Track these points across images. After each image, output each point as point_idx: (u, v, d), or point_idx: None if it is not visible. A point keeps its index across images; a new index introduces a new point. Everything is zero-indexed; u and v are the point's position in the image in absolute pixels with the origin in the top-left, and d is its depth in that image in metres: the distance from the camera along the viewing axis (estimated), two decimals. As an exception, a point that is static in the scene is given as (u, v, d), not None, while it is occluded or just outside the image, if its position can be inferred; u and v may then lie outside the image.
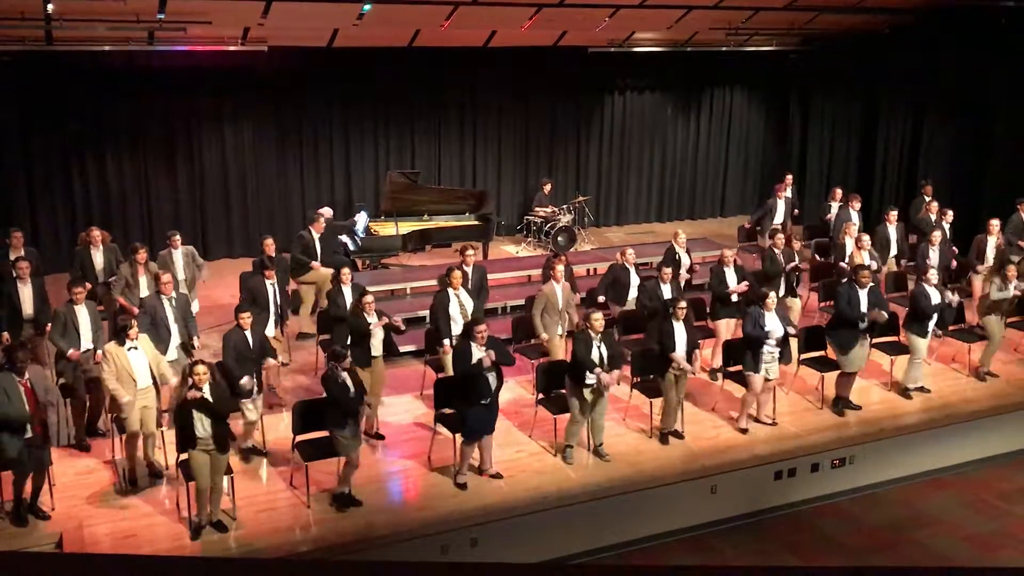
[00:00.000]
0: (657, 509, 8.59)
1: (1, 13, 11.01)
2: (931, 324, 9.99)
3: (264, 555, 7.32)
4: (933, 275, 10.02)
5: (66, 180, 14.43)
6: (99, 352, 8.62)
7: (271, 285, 9.82)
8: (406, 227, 14.16)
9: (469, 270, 10.19)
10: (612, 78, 17.66)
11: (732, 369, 9.64)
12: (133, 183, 14.81)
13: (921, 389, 10.24)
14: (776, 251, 11.04)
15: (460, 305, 9.52)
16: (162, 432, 8.47)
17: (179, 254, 10.95)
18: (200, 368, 7.41)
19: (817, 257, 13.49)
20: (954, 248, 12.36)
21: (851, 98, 17.18)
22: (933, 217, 12.88)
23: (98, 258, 10.73)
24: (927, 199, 13.72)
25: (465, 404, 8.16)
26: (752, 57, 17.59)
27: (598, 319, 8.60)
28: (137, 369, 8.07)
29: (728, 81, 18.79)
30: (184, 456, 7.56)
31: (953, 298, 10.12)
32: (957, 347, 10.95)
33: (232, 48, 13.25)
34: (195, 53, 13.56)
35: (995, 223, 12.07)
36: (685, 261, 11.42)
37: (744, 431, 9.31)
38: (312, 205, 15.14)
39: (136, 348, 8.11)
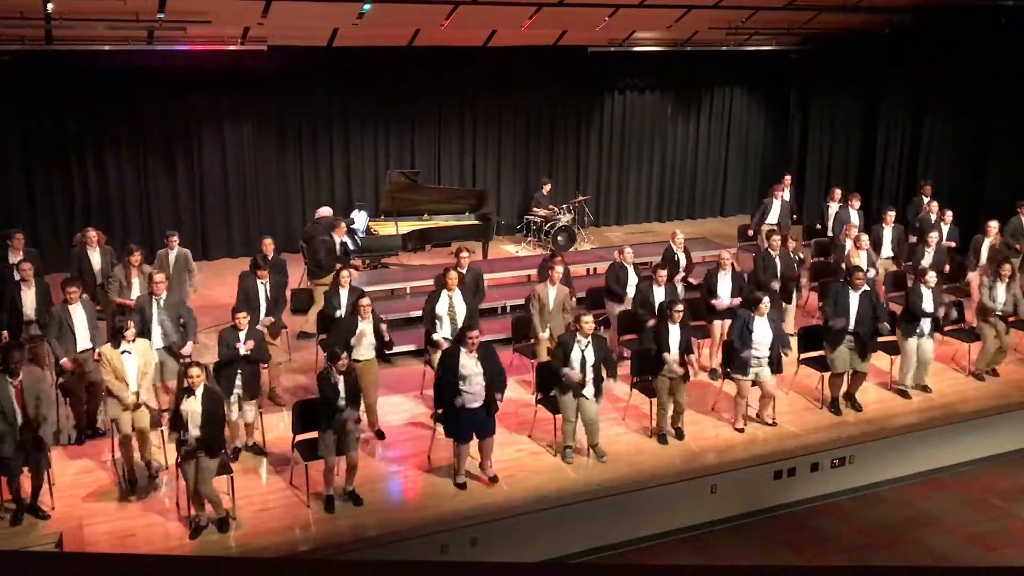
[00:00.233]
0: (657, 509, 8.59)
1: (1, 12, 11.01)
2: (925, 326, 9.94)
3: (264, 555, 7.31)
4: (932, 277, 9.98)
5: (66, 179, 14.43)
6: (97, 352, 8.63)
7: (262, 285, 9.75)
8: (406, 227, 14.16)
9: (463, 271, 10.15)
10: (612, 78, 17.66)
11: (729, 370, 9.63)
12: (133, 183, 14.82)
13: (924, 388, 10.17)
14: (772, 253, 11.01)
15: (451, 306, 9.39)
16: (162, 432, 8.47)
17: (174, 255, 10.92)
18: (194, 370, 7.40)
19: (822, 258, 13.45)
20: (951, 243, 12.34)
21: (851, 98, 17.19)
22: (933, 217, 12.86)
23: (95, 258, 10.70)
24: (926, 199, 13.71)
25: (447, 406, 8.10)
26: (752, 57, 17.60)
27: (588, 321, 8.49)
28: (129, 372, 8.03)
29: (728, 81, 18.79)
30: (179, 458, 7.56)
31: (944, 312, 10.04)
32: (957, 347, 10.95)
33: (232, 48, 13.24)
34: (195, 53, 13.55)
35: (993, 224, 12.06)
36: (683, 262, 11.39)
37: (740, 431, 9.30)
38: (312, 204, 15.16)
39: (130, 352, 8.04)
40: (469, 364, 8.01)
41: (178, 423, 7.37)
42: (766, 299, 9.16)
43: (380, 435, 9.13)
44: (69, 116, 14.14)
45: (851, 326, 9.50)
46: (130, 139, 14.68)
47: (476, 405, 8.07)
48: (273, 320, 9.63)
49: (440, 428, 8.68)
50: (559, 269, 10.05)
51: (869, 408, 9.87)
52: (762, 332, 8.99)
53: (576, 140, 17.78)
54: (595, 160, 18.04)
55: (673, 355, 8.86)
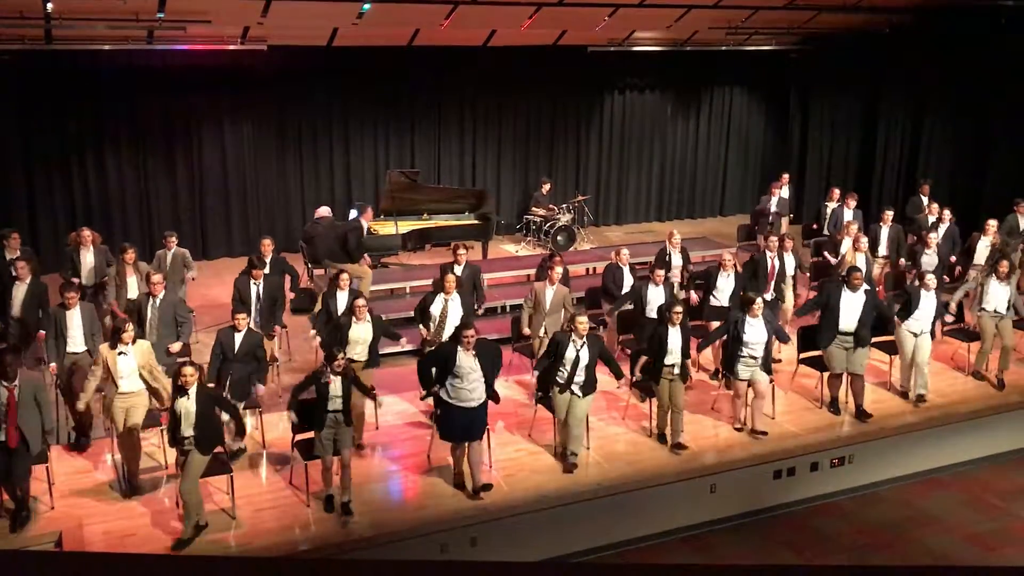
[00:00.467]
0: (656, 508, 8.59)
1: (0, 12, 11.01)
2: (925, 327, 9.92)
3: (263, 554, 7.31)
4: (932, 280, 9.96)
5: (65, 179, 14.43)
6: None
7: (255, 285, 9.71)
8: (406, 226, 14.16)
9: (460, 269, 10.12)
10: (612, 77, 17.67)
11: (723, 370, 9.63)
12: (132, 182, 14.82)
13: (920, 397, 9.97)
14: (769, 253, 10.99)
15: (444, 310, 9.27)
16: (161, 431, 8.47)
17: (171, 255, 10.90)
18: (188, 370, 7.37)
19: (824, 256, 13.44)
20: (955, 241, 12.33)
21: (851, 98, 17.20)
22: (933, 218, 12.85)
23: (88, 259, 10.62)
24: (925, 199, 13.71)
25: (444, 405, 8.03)
26: (752, 56, 17.61)
27: (583, 322, 8.41)
28: (122, 372, 7.96)
29: (728, 80, 18.80)
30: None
31: (949, 317, 10.05)
32: (957, 347, 10.95)
33: (232, 47, 13.25)
34: (194, 52, 13.56)
35: (992, 223, 12.06)
36: (677, 262, 11.34)
37: (740, 429, 9.28)
38: (312, 204, 15.16)
39: (126, 354, 7.99)
40: (467, 362, 7.93)
41: (174, 422, 7.37)
42: (759, 300, 9.09)
43: (359, 447, 8.76)
44: (69, 116, 14.14)
45: (849, 327, 9.48)
46: (130, 139, 14.68)
47: (472, 405, 7.97)
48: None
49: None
50: (558, 270, 10.02)
51: (869, 408, 9.86)
52: (756, 333, 8.94)
53: (576, 140, 17.78)
54: (595, 160, 18.05)
55: (673, 359, 8.84)
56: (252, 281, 9.73)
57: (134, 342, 8.06)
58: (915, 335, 9.91)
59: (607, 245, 15.62)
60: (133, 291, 9.98)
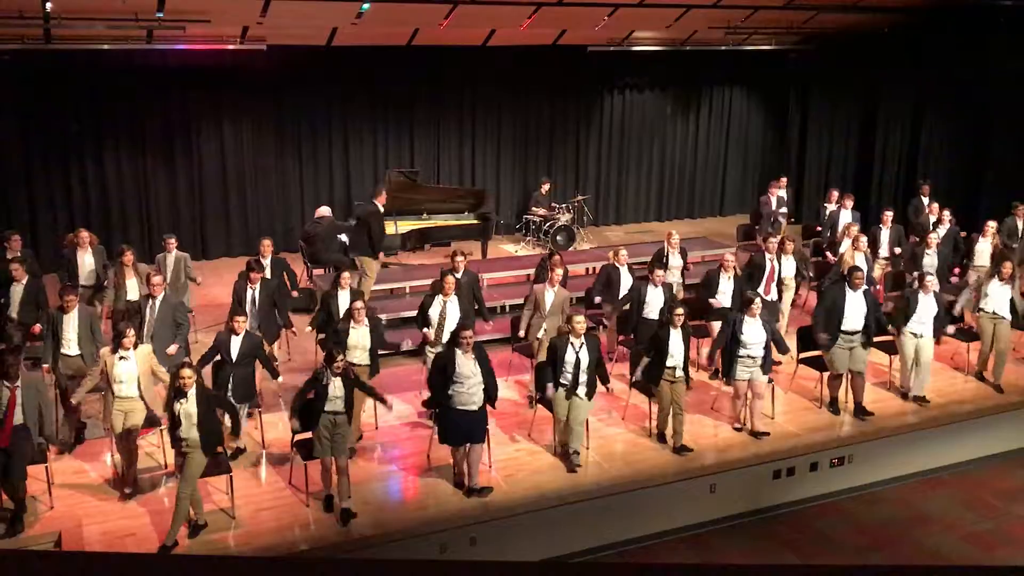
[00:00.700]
0: (656, 508, 8.60)
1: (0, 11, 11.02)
2: (927, 329, 9.93)
3: (263, 554, 7.31)
4: (932, 282, 9.95)
5: (65, 179, 14.43)
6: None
7: (251, 290, 9.58)
8: (405, 226, 14.16)
9: (460, 276, 10.09)
10: (611, 77, 17.67)
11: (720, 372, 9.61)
12: (132, 182, 14.82)
13: (921, 399, 10.00)
14: (768, 255, 10.98)
15: (442, 312, 9.23)
16: (161, 431, 8.46)
17: (172, 259, 10.88)
18: (186, 371, 7.36)
19: (824, 257, 13.44)
20: (955, 242, 12.34)
21: (850, 97, 17.21)
22: (933, 218, 12.86)
23: (86, 260, 10.59)
24: (925, 200, 13.71)
25: (444, 412, 8.06)
26: (751, 56, 17.61)
27: (580, 322, 8.41)
28: (121, 377, 7.93)
29: (727, 80, 18.80)
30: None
31: (960, 302, 10.09)
32: (956, 347, 10.96)
33: (231, 47, 13.25)
34: (194, 52, 13.55)
35: (991, 225, 12.06)
36: (675, 262, 11.32)
37: (739, 429, 9.29)
38: (312, 204, 15.17)
39: (126, 358, 7.95)
40: (467, 365, 7.93)
41: (174, 423, 7.37)
42: (758, 300, 9.10)
43: (351, 452, 8.64)
44: (68, 116, 14.14)
45: (852, 326, 9.49)
46: (129, 139, 14.68)
47: (472, 408, 7.97)
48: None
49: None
50: (559, 271, 9.97)
51: (869, 408, 9.86)
52: (754, 333, 8.94)
53: (575, 139, 17.79)
54: (594, 159, 18.05)
55: (675, 361, 8.83)
56: (248, 285, 9.64)
57: (135, 347, 8.03)
58: (916, 336, 9.91)
59: (606, 245, 15.61)
60: (133, 293, 9.94)
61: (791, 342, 9.97)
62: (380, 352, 9.06)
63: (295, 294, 11.01)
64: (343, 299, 9.45)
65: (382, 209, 11.89)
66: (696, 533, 8.75)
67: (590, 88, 17.62)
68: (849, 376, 9.66)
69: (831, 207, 13.77)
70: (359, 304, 8.80)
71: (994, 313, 10.26)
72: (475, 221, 14.85)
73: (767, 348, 9.02)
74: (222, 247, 15.48)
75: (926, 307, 9.83)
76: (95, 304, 10.29)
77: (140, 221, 14.90)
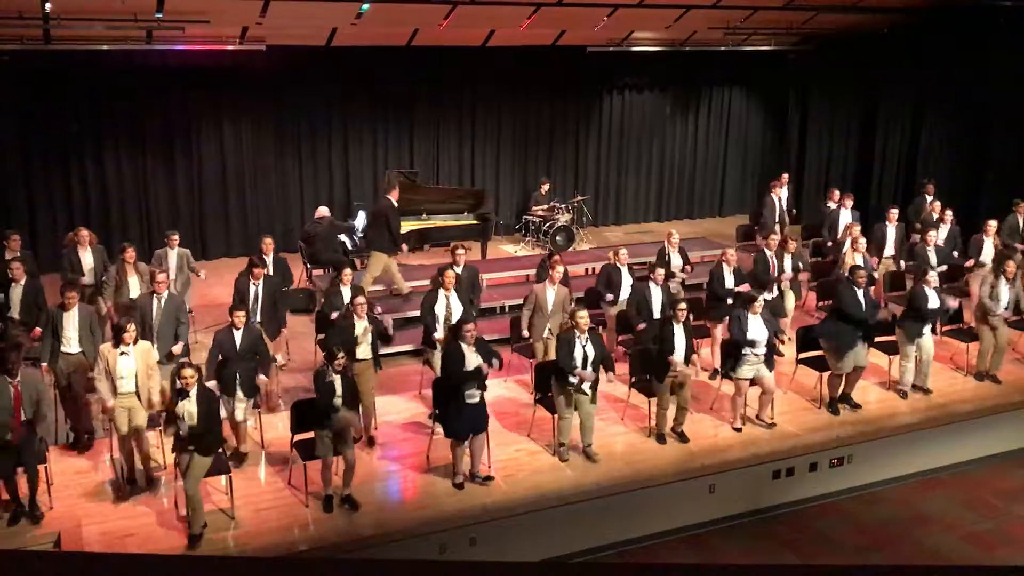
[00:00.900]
0: (656, 508, 8.60)
1: (-1, 12, 11.03)
2: (926, 327, 9.96)
3: (262, 554, 7.31)
4: (933, 277, 9.99)
5: (64, 179, 14.43)
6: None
7: (254, 286, 9.64)
8: (404, 226, 14.09)
9: (460, 270, 10.14)
10: (611, 77, 17.67)
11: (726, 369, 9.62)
12: (132, 182, 14.82)
13: (925, 390, 10.11)
14: (768, 252, 11.00)
15: (447, 307, 9.39)
16: (160, 432, 8.46)
17: (174, 255, 10.92)
18: (187, 371, 7.37)
19: (825, 257, 13.46)
20: (956, 242, 12.36)
21: (850, 98, 17.20)
22: (935, 217, 12.88)
23: (87, 258, 10.61)
24: (929, 199, 13.72)
25: (451, 405, 8.13)
26: (751, 56, 17.61)
27: (583, 318, 8.51)
28: (121, 372, 7.96)
29: (727, 80, 18.80)
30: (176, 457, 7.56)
31: (952, 304, 10.12)
32: (956, 347, 10.96)
33: (230, 47, 13.25)
34: (193, 52, 13.55)
35: (993, 224, 12.07)
36: (676, 262, 11.36)
37: (739, 430, 9.30)
38: (311, 204, 15.17)
39: (127, 354, 7.98)
40: (471, 358, 8.08)
41: (174, 422, 7.37)
42: (760, 298, 9.17)
43: (371, 442, 8.96)
44: (67, 115, 14.13)
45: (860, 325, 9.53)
46: (129, 139, 14.68)
47: (476, 399, 8.14)
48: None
49: (439, 428, 8.68)
50: (559, 269, 10.03)
51: (868, 408, 9.88)
52: (757, 330, 9.00)
53: (575, 140, 17.78)
54: (593, 160, 18.05)
55: (679, 355, 8.86)
56: (252, 281, 9.69)
57: (135, 343, 8.05)
58: (920, 334, 9.95)
59: (606, 245, 15.62)
60: (134, 291, 9.96)
61: (790, 343, 9.98)
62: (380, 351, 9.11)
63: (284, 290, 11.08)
64: (346, 296, 9.53)
65: (396, 204, 11.89)
66: (696, 533, 8.75)
67: (589, 88, 17.62)
68: (828, 374, 9.73)
69: (832, 207, 13.77)
70: (360, 299, 8.87)
71: (998, 312, 10.28)
72: (474, 222, 14.85)
73: (770, 345, 9.09)
74: (222, 247, 15.48)
75: (934, 303, 9.91)
76: (96, 302, 10.30)
77: (140, 221, 14.89)
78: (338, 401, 7.77)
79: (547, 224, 15.80)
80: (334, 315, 9.59)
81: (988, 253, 11.88)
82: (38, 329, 9.12)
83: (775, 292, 10.83)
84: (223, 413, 8.33)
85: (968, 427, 9.98)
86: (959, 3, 14.09)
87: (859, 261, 11.10)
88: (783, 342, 9.55)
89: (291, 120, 15.62)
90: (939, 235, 12.07)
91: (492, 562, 6.56)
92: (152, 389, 8.10)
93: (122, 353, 7.96)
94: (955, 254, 12.21)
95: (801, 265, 11.34)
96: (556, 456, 8.74)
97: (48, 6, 10.71)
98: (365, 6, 11.86)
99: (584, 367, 8.42)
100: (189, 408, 7.36)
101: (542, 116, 17.40)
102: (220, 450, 7.78)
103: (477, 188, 16.18)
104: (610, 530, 8.45)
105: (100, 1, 10.92)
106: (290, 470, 8.38)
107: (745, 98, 19.18)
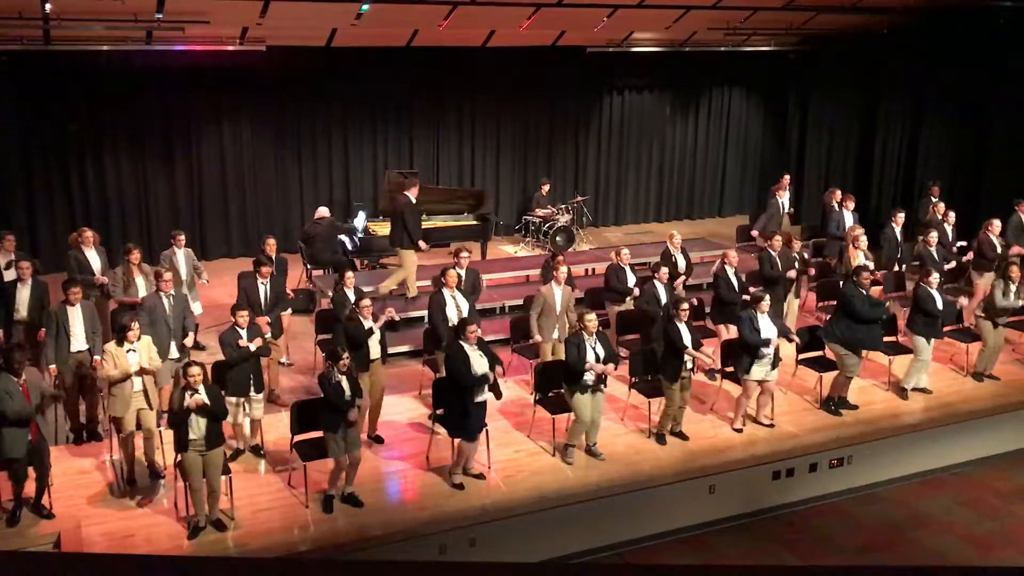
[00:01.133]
0: (655, 509, 8.59)
1: (-1, 12, 11.03)
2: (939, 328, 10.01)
3: (262, 555, 7.31)
4: (935, 278, 10.01)
5: (64, 180, 14.43)
6: (96, 357, 8.65)
7: (262, 285, 9.73)
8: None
9: (463, 272, 10.15)
10: (610, 78, 17.67)
11: (728, 370, 9.63)
12: (131, 183, 14.82)
13: (923, 390, 10.18)
14: (772, 253, 11.01)
15: (457, 307, 9.48)
16: (160, 432, 8.46)
17: (183, 253, 11.03)
18: (194, 369, 7.42)
19: (826, 257, 13.46)
20: (955, 248, 12.37)
21: (849, 98, 17.19)
22: (939, 218, 12.90)
23: (93, 258, 10.66)
24: (934, 200, 13.73)
25: (459, 406, 8.15)
26: (750, 57, 17.61)
27: (591, 320, 8.57)
28: (133, 369, 8.04)
29: (726, 81, 18.80)
30: (180, 457, 7.56)
31: (963, 301, 10.14)
32: (956, 347, 10.96)
33: (230, 48, 13.26)
34: (193, 53, 13.55)
35: (996, 224, 12.08)
36: (681, 263, 11.40)
37: (739, 431, 9.30)
38: (311, 204, 15.17)
39: (135, 351, 8.08)
40: (474, 359, 8.13)
41: (179, 422, 7.38)
42: (767, 297, 9.19)
43: (378, 440, 9.06)
44: (67, 116, 14.13)
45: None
46: (129, 139, 14.68)
47: (483, 399, 8.22)
48: (269, 320, 9.56)
49: (439, 428, 8.68)
50: (563, 269, 10.07)
51: (868, 408, 9.87)
52: (767, 330, 9.04)
53: (575, 140, 17.78)
54: (594, 160, 18.05)
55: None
56: (260, 280, 9.74)
57: (138, 339, 8.13)
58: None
59: (606, 246, 15.62)
60: (142, 291, 10.01)
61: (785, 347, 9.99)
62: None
63: (290, 294, 11.10)
64: (351, 298, 9.58)
65: (414, 200, 11.90)
66: (696, 534, 8.75)
67: (589, 89, 17.62)
68: (836, 373, 9.74)
69: (834, 207, 13.77)
70: (366, 302, 8.94)
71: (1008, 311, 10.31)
72: (474, 222, 14.85)
73: (776, 346, 9.13)
74: (222, 248, 15.49)
75: (940, 304, 9.95)
76: (106, 302, 10.37)
77: (140, 222, 14.89)
78: (348, 402, 7.80)
79: (547, 225, 15.80)
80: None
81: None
82: (43, 331, 9.14)
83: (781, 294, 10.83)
84: (239, 417, 8.45)
85: (968, 427, 9.98)
86: (958, 4, 14.09)
87: (861, 260, 11.11)
88: (792, 341, 9.55)
89: (291, 120, 15.62)
90: (939, 235, 12.07)
91: (492, 563, 6.56)
92: (159, 385, 8.24)
93: (129, 351, 8.01)
94: (962, 258, 12.24)
95: (800, 262, 11.35)
96: (560, 458, 8.71)
97: (48, 7, 10.71)
98: (365, 7, 11.86)
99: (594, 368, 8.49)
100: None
101: (542, 117, 17.40)
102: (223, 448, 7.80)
103: (477, 188, 16.19)
104: (610, 531, 8.44)
105: (100, 2, 10.91)
106: (290, 471, 8.38)
107: (745, 99, 19.18)
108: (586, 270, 13.55)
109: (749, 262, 13.04)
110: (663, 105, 18.44)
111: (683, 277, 11.26)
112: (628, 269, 10.79)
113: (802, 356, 10.09)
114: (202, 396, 7.38)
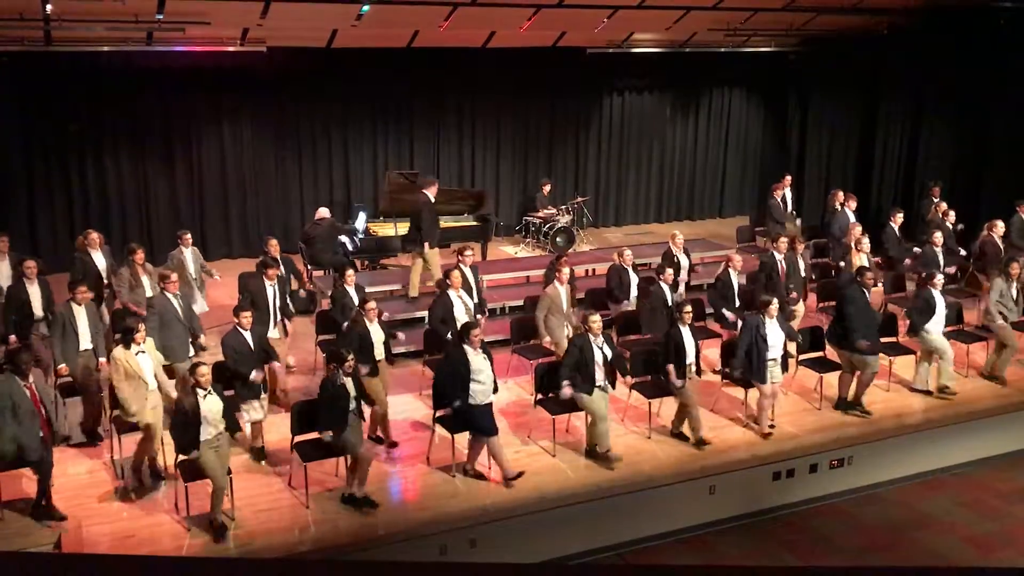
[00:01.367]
0: (656, 509, 8.59)
1: (0, 13, 11.02)
2: (940, 326, 9.98)
3: (263, 555, 7.31)
4: (939, 279, 10.02)
5: (65, 180, 14.44)
6: (102, 360, 8.68)
7: (271, 286, 9.73)
8: (405, 227, 14.12)
9: (467, 270, 10.17)
10: (611, 79, 17.67)
11: (736, 376, 9.55)
12: (132, 184, 14.84)
13: (946, 390, 10.10)
14: (777, 255, 10.98)
15: (465, 307, 9.52)
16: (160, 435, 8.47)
17: (190, 252, 11.08)
18: (203, 369, 7.48)
19: (828, 258, 13.46)
20: (959, 249, 12.38)
21: (849, 99, 17.18)
22: (940, 218, 12.91)
23: (99, 260, 10.71)
24: (935, 200, 13.74)
25: (465, 406, 8.19)
26: (751, 58, 17.61)
27: (596, 321, 8.61)
28: (146, 372, 8.09)
29: (727, 82, 18.81)
30: (183, 457, 7.56)
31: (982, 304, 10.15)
32: (956, 347, 10.93)
33: (231, 49, 13.28)
34: (194, 54, 13.57)
35: (999, 224, 12.08)
36: (684, 263, 11.42)
37: (767, 435, 9.21)
38: (311, 205, 15.17)
39: (144, 352, 8.11)
40: (477, 360, 8.18)
41: (187, 424, 7.39)
42: (775, 301, 9.15)
43: (393, 444, 8.98)
44: (68, 117, 14.15)
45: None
46: (129, 140, 14.69)
47: (490, 400, 8.26)
48: (292, 365, 9.74)
49: (439, 428, 8.68)
50: (565, 271, 10.12)
51: (870, 408, 9.85)
52: (774, 335, 9.03)
53: (575, 141, 17.79)
54: (594, 161, 18.05)
55: (690, 357, 8.95)
56: (268, 282, 9.72)
57: (144, 341, 8.17)
58: (931, 333, 10.00)
59: (606, 247, 15.63)
60: (148, 291, 10.04)
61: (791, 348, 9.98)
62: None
63: (302, 293, 11.14)
64: (352, 296, 9.61)
65: (433, 199, 11.87)
66: (696, 534, 8.75)
67: (590, 90, 17.62)
68: (858, 374, 9.67)
69: (836, 209, 13.78)
70: (372, 304, 8.96)
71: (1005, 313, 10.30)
72: (474, 223, 14.85)
73: (784, 349, 9.15)
74: (223, 248, 15.49)
75: (942, 304, 9.94)
76: (111, 303, 10.40)
77: (140, 222, 14.90)
78: (354, 403, 7.83)
79: (547, 225, 15.80)
80: (345, 326, 9.59)
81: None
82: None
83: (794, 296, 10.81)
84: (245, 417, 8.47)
85: (969, 428, 9.97)
86: (959, 3, 14.09)
87: (863, 261, 11.12)
88: (798, 343, 9.55)
89: (291, 121, 15.63)
90: (946, 236, 12.09)
91: (492, 564, 6.56)
92: (164, 382, 8.31)
93: (139, 352, 8.04)
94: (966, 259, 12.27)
95: (801, 263, 11.35)
96: (606, 465, 8.55)
97: (49, 8, 10.72)
98: (365, 7, 11.86)
99: (602, 368, 8.55)
100: (211, 404, 7.48)
101: (542, 117, 17.40)
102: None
103: (477, 189, 16.18)
104: (610, 531, 8.44)
105: (101, 3, 10.92)
106: (290, 471, 8.38)
107: (745, 99, 19.18)
108: (586, 271, 13.54)
109: (752, 263, 13.04)
110: (663, 106, 18.45)
111: (684, 276, 11.26)
112: (630, 270, 10.82)
113: (802, 356, 10.08)
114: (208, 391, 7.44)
